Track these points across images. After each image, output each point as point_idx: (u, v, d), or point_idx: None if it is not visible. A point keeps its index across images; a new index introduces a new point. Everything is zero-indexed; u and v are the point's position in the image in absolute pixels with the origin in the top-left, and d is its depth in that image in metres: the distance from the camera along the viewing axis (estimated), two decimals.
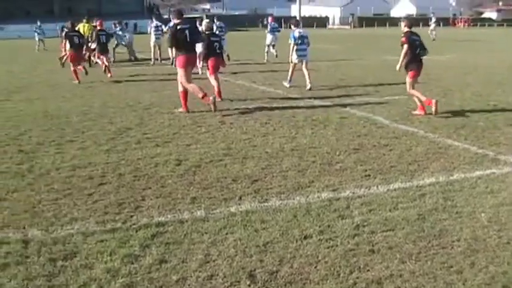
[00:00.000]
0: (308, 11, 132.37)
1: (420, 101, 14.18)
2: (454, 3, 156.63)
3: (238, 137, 11.87)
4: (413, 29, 14.62)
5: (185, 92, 15.06)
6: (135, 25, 56.91)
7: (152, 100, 16.90)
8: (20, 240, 6.57)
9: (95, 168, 9.60)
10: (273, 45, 30.52)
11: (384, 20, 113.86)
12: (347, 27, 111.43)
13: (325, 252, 6.17)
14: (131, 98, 17.48)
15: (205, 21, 23.17)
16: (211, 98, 14.99)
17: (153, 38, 31.17)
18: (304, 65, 19.64)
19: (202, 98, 14.81)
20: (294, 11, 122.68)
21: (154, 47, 31.19)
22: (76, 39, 22.68)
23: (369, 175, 9.03)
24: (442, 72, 24.14)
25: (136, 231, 6.77)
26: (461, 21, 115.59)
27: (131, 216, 7.29)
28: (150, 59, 31.13)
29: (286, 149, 10.71)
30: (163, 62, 30.31)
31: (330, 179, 8.83)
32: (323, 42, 49.14)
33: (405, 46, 14.07)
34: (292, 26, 20.40)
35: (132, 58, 32.75)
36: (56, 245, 6.43)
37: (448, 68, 26.49)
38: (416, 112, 14.15)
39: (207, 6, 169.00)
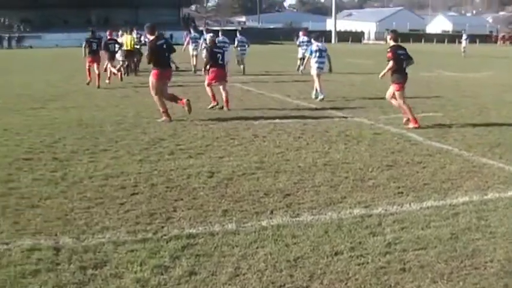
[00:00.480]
0: (344, 25, 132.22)
1: (411, 114, 14.22)
2: (491, 20, 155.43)
3: (271, 150, 11.85)
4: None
5: (173, 97, 15.68)
6: (171, 36, 57.17)
7: (186, 111, 16.92)
8: (52, 247, 6.62)
9: (128, 178, 9.65)
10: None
11: (419, 36, 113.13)
12: (382, 42, 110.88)
13: (356, 269, 6.12)
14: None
15: (209, 35, 24.24)
16: (184, 100, 15.67)
17: (191, 47, 32.21)
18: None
19: (164, 112, 15.51)
20: (330, 25, 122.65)
21: (193, 56, 32.16)
22: (94, 45, 25.44)
23: (402, 192, 8.96)
24: (478, 89, 23.94)
25: (167, 242, 6.78)
26: (502, 38, 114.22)
27: (162, 227, 7.30)
28: (190, 69, 31.89)
29: (319, 164, 10.66)
30: (197, 72, 30.56)
31: (363, 195, 8.77)
32: (358, 57, 49.06)
33: (391, 62, 14.10)
34: (312, 40, 21.59)
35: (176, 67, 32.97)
36: (87, 253, 6.46)
37: (484, 85, 26.23)
38: (410, 126, 14.13)
39: (243, 19, 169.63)
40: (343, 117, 16.12)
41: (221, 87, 17.45)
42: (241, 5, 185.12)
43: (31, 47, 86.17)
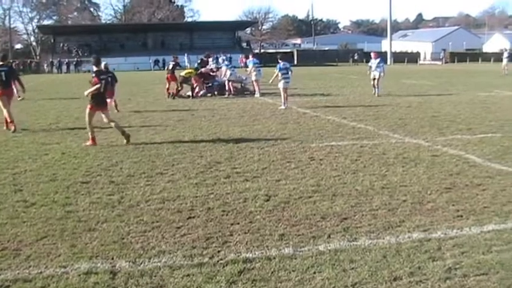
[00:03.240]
0: (399, 46, 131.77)
1: None
2: None
3: (327, 173, 11.77)
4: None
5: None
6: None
7: (242, 134, 16.98)
8: (108, 271, 6.67)
9: (184, 202, 9.68)
10: (377, 79, 30.94)
11: (476, 55, 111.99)
12: (438, 62, 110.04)
13: None
14: (221, 132, 17.63)
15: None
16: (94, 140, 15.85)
17: (254, 73, 32.07)
18: (285, 90, 25.13)
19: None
20: (385, 46, 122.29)
21: (254, 81, 32.20)
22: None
23: (461, 216, 8.78)
24: None
25: (224, 267, 6.76)
26: None
27: (218, 251, 7.29)
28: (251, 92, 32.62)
29: (376, 187, 10.54)
30: (256, 96, 30.91)
31: (421, 218, 8.63)
32: (414, 77, 48.70)
33: None
34: (278, 59, 25.85)
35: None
36: (143, 277, 6.48)
37: None
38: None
39: (298, 41, 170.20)
40: (401, 139, 15.94)
41: None
42: (296, 27, 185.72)
43: (89, 71, 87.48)
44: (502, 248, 7.33)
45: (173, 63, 32.70)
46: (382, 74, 30.88)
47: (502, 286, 6.17)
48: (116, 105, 24.53)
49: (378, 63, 30.96)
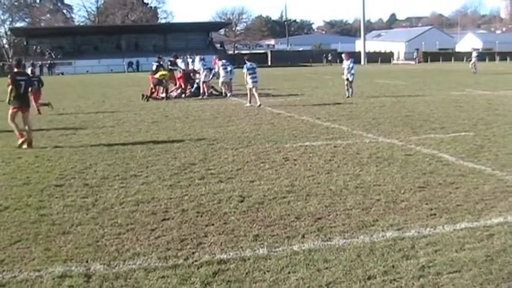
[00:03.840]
0: (373, 46, 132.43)
1: None
2: None
3: (302, 173, 11.80)
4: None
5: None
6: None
7: (216, 136, 16.96)
8: (83, 274, 6.65)
9: (158, 204, 9.67)
10: (351, 82, 30.52)
11: (449, 55, 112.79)
12: (412, 62, 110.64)
13: None
14: (196, 133, 17.61)
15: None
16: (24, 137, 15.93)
17: (222, 74, 32.13)
18: (255, 89, 26.15)
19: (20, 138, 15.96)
20: (359, 46, 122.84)
21: (222, 83, 32.29)
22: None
23: (435, 214, 8.84)
24: (510, 108, 23.53)
25: (198, 268, 6.76)
26: None
27: (193, 253, 7.29)
28: (221, 93, 32.74)
29: (350, 187, 10.58)
30: (230, 96, 30.96)
31: (395, 217, 8.68)
32: (388, 77, 48.93)
33: None
34: (245, 60, 27.52)
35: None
36: (118, 280, 6.47)
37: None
38: None
39: (272, 42, 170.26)
40: (374, 138, 16.01)
41: None
42: (270, 28, 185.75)
43: (62, 74, 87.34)
44: (474, 245, 7.39)
45: (157, 64, 32.65)
46: (352, 77, 30.47)
47: (475, 283, 6.22)
48: (38, 109, 24.44)
49: (349, 65, 30.53)
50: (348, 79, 30.28)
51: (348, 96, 29.85)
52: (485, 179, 11.00)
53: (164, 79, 31.36)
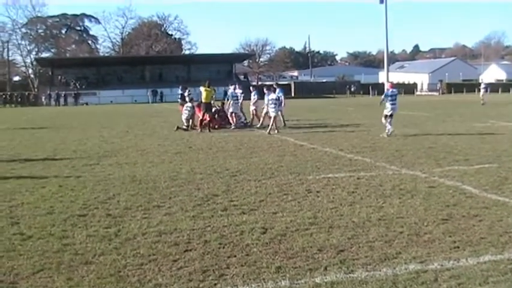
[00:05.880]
0: (396, 77, 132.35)
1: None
2: None
3: (324, 205, 11.78)
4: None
5: None
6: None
7: (239, 167, 16.99)
8: None
9: (181, 234, 9.68)
10: (391, 116, 25.94)
11: (473, 86, 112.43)
12: (435, 93, 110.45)
13: None
14: (218, 165, 17.66)
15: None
16: None
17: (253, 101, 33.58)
18: (275, 117, 28.45)
19: None
20: (382, 77, 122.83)
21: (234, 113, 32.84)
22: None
23: (458, 247, 8.78)
24: None
25: None
26: None
27: (215, 284, 7.29)
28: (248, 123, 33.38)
29: (373, 219, 10.55)
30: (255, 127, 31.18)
31: (418, 250, 8.63)
32: (411, 108, 48.78)
33: None
34: (265, 90, 31.14)
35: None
36: None
37: None
38: None
39: (295, 73, 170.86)
40: (397, 170, 15.96)
41: None
42: (293, 59, 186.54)
43: (87, 104, 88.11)
44: (498, 278, 7.33)
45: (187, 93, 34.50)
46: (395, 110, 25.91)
47: None
48: None
49: (392, 95, 26.16)
50: (388, 114, 25.71)
51: (385, 135, 25.43)
52: (510, 211, 10.92)
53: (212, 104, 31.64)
